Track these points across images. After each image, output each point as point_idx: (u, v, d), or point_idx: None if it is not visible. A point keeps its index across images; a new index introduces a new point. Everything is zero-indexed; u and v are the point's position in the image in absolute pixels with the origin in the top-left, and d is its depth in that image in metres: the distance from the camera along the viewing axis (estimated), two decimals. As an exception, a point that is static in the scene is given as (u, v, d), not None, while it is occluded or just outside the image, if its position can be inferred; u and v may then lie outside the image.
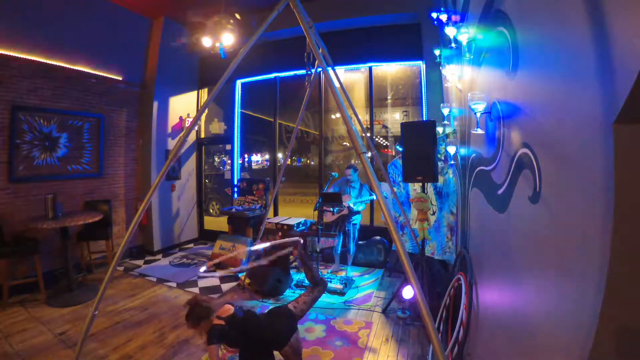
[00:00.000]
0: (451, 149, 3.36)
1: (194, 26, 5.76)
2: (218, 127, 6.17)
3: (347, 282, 4.00)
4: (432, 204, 3.61)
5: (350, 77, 5.99)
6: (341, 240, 4.40)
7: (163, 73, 5.51)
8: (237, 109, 6.20)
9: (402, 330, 3.02)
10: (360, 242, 4.80)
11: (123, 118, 5.23)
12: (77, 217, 3.79)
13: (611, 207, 0.66)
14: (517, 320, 1.28)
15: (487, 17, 1.83)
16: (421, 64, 4.89)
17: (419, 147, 3.03)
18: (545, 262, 1.04)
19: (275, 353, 2.17)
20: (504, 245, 1.51)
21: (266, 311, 2.38)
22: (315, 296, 2.41)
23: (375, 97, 5.34)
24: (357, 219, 4.45)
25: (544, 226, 1.04)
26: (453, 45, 2.61)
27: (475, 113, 1.77)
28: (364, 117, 5.36)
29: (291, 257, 4.29)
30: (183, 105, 6.05)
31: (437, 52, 3.53)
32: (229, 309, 2.15)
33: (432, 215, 3.62)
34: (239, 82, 6.17)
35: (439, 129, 3.49)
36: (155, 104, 5.46)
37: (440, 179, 3.46)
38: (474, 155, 2.35)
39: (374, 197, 4.45)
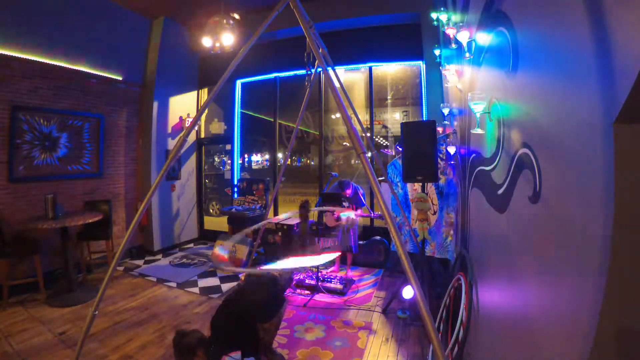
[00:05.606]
0: (451, 149, 3.36)
1: (193, 26, 5.77)
2: (218, 127, 6.17)
3: (347, 282, 4.00)
4: (433, 204, 3.61)
5: (350, 77, 5.99)
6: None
7: (163, 73, 5.52)
8: (237, 109, 6.20)
9: (402, 330, 3.02)
10: (360, 242, 4.80)
11: (123, 118, 5.23)
12: (77, 217, 3.78)
13: (611, 207, 0.66)
14: (517, 320, 1.28)
15: (487, 17, 1.83)
16: (421, 64, 4.89)
17: (419, 147, 3.03)
18: (545, 262, 1.04)
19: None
20: (504, 245, 1.51)
21: (245, 279, 2.19)
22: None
23: (375, 97, 5.34)
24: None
25: (544, 226, 1.04)
26: (453, 45, 2.62)
27: (475, 113, 1.77)
28: (364, 117, 5.36)
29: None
30: (183, 105, 6.05)
31: (437, 52, 3.54)
32: None
33: (432, 215, 3.62)
34: (239, 82, 6.17)
35: (439, 129, 3.49)
36: (155, 104, 5.46)
37: (442, 178, 3.47)
38: (474, 155, 2.35)
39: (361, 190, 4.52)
